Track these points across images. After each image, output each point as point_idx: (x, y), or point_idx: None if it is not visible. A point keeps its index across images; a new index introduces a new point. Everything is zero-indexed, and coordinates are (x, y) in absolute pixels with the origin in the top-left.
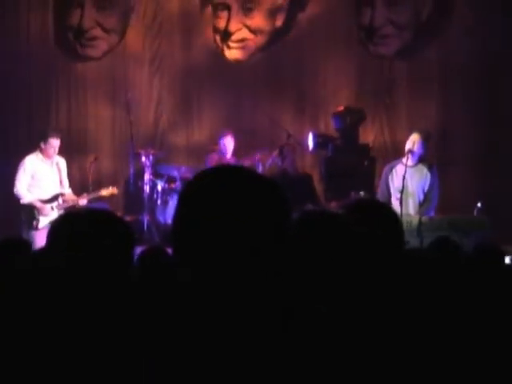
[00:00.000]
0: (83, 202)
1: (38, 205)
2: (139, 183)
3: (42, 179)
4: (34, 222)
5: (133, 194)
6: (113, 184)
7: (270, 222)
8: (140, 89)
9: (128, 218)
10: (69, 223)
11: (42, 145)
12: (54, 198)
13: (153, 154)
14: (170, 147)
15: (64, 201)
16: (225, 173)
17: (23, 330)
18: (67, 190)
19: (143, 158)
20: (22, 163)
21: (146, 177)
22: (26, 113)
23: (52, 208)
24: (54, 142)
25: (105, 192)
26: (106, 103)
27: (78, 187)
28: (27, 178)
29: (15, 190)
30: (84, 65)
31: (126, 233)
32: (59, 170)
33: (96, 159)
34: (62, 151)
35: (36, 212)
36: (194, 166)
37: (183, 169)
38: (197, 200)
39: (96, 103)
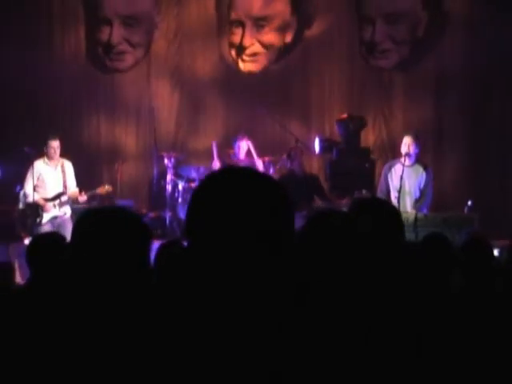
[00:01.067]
0: (83, 199)
1: (42, 203)
2: (162, 183)
3: (46, 180)
4: (38, 218)
5: (156, 193)
6: (138, 184)
7: (273, 217)
8: (163, 98)
9: (152, 215)
10: (91, 220)
11: (44, 148)
12: (57, 197)
13: (174, 157)
14: (190, 150)
15: (66, 199)
16: (232, 173)
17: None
18: (73, 190)
19: (166, 161)
20: (30, 167)
21: (168, 177)
22: (59, 120)
23: (54, 206)
24: (53, 143)
25: (100, 190)
26: (132, 111)
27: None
28: (34, 179)
29: (23, 190)
30: (112, 77)
31: (142, 229)
32: (63, 172)
33: (122, 162)
34: (92, 154)
35: (40, 209)
36: (210, 166)
37: (201, 170)
38: (208, 197)
39: (123, 111)
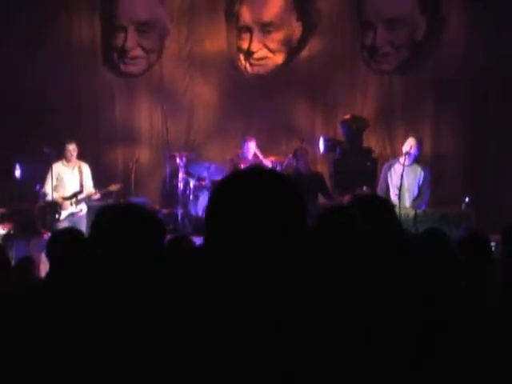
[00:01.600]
0: (97, 196)
1: (60, 201)
2: (174, 181)
3: (65, 180)
4: (57, 215)
5: (169, 191)
6: (151, 182)
7: (287, 213)
8: (174, 101)
9: (165, 211)
10: (108, 216)
11: (63, 150)
12: (74, 196)
13: (185, 157)
14: (200, 150)
15: (82, 197)
16: (251, 173)
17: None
18: (90, 189)
19: (177, 160)
20: (49, 168)
21: (180, 176)
22: (77, 122)
23: (71, 204)
24: (69, 147)
25: (112, 187)
26: (146, 113)
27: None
28: (53, 179)
29: (43, 189)
30: (126, 80)
31: (156, 224)
32: (81, 173)
33: (137, 161)
34: (107, 153)
35: (58, 207)
36: (221, 166)
37: (212, 169)
38: (227, 196)
39: (136, 113)
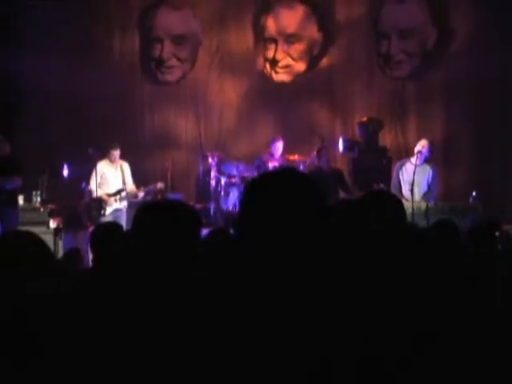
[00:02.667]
0: (141, 194)
1: (105, 198)
2: (207, 179)
3: (108, 178)
4: (102, 211)
5: (202, 188)
6: (186, 180)
7: (310, 209)
8: (206, 105)
9: (198, 206)
10: (149, 211)
11: (107, 154)
12: (117, 193)
13: (217, 156)
14: (231, 150)
15: (125, 194)
16: (279, 174)
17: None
18: (130, 186)
19: (210, 160)
20: (95, 167)
21: (212, 174)
22: (119, 125)
23: (115, 200)
24: (114, 152)
25: (153, 186)
26: (181, 117)
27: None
28: (98, 177)
29: (89, 187)
30: (163, 88)
31: (193, 218)
32: (122, 172)
33: (173, 161)
34: (147, 154)
35: (103, 203)
36: (249, 165)
37: (241, 167)
38: (259, 194)
39: (172, 117)
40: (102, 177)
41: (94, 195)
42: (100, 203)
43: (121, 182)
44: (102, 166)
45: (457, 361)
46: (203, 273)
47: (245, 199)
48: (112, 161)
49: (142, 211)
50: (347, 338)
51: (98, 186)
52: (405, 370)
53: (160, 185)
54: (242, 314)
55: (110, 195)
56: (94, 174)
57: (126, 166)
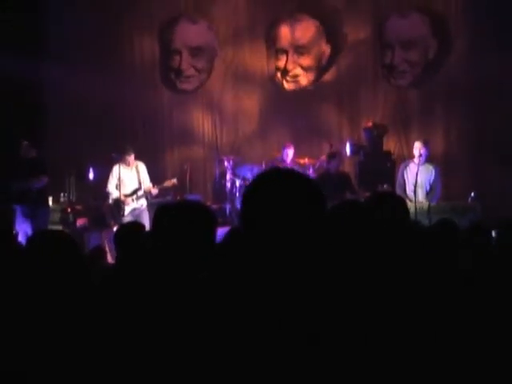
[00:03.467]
0: (155, 191)
1: (123, 198)
2: (223, 181)
3: (125, 180)
4: (121, 211)
5: (218, 189)
6: (203, 182)
7: (308, 207)
8: (222, 112)
9: (215, 206)
10: (167, 211)
11: (123, 157)
12: (134, 193)
13: (232, 160)
14: (245, 154)
15: (141, 193)
16: (276, 173)
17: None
18: (147, 185)
19: (225, 163)
20: (111, 170)
21: (228, 176)
22: (141, 131)
23: (133, 200)
24: (128, 157)
25: (167, 183)
26: (198, 123)
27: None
28: (115, 180)
29: (106, 189)
30: (181, 96)
31: (208, 217)
32: (138, 172)
33: (190, 164)
34: (165, 156)
35: (121, 204)
36: (262, 168)
37: (254, 170)
38: (258, 192)
39: (190, 123)
40: (119, 179)
41: (113, 197)
42: (118, 204)
43: (137, 182)
44: (118, 170)
45: (455, 359)
46: (211, 272)
47: (245, 196)
48: (127, 164)
49: (160, 212)
50: (346, 333)
51: (116, 187)
52: (403, 367)
53: (173, 181)
54: (240, 312)
55: (126, 195)
56: (111, 176)
57: (142, 166)
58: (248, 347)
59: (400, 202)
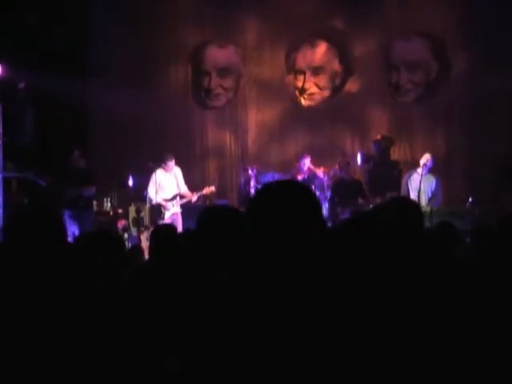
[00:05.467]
0: (194, 198)
1: (163, 203)
2: (247, 188)
3: (165, 185)
4: (161, 215)
5: (243, 195)
6: (230, 189)
7: (306, 213)
8: (247, 126)
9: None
10: (208, 213)
11: (163, 164)
12: (174, 198)
13: (256, 168)
14: (268, 163)
15: (181, 198)
16: (278, 184)
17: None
18: (184, 190)
19: (249, 171)
20: (151, 176)
21: (252, 183)
22: (172, 143)
23: (172, 205)
24: (170, 162)
25: (206, 190)
26: (225, 136)
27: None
28: (155, 185)
29: (147, 193)
30: (211, 112)
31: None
32: (176, 178)
33: (218, 173)
34: (197, 166)
35: (162, 208)
36: (282, 176)
37: (276, 177)
38: (262, 200)
39: (218, 136)
40: (159, 184)
41: (154, 202)
42: (159, 208)
43: (175, 187)
44: (159, 175)
45: (456, 360)
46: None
47: (249, 205)
48: (167, 170)
49: (206, 214)
50: (344, 334)
51: (156, 192)
52: (403, 366)
53: (211, 188)
54: (242, 312)
55: (167, 200)
56: (151, 182)
57: (179, 171)
58: (250, 347)
59: (416, 206)
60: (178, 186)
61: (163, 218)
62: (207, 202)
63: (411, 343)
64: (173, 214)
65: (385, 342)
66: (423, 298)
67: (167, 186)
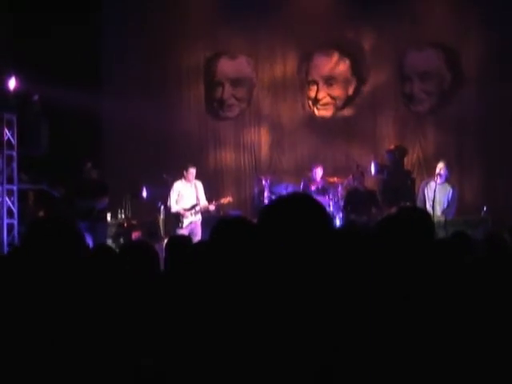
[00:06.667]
0: (212, 207)
1: (182, 212)
2: (261, 198)
3: (185, 195)
4: (180, 224)
5: (257, 205)
6: (244, 199)
7: (316, 224)
8: (259, 136)
9: (254, 221)
10: (220, 225)
11: (185, 173)
12: (192, 207)
13: (269, 179)
14: (280, 174)
15: (199, 208)
16: (291, 198)
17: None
18: (203, 202)
19: (263, 182)
20: (172, 186)
21: (265, 194)
22: (188, 153)
23: (191, 214)
24: (191, 171)
25: (224, 200)
26: (239, 146)
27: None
28: (175, 195)
29: (168, 203)
30: (224, 122)
31: (252, 229)
32: (196, 189)
33: (232, 183)
34: (212, 177)
35: (181, 217)
36: (296, 186)
37: (289, 188)
38: (275, 212)
39: (232, 147)
40: (178, 194)
41: (173, 211)
42: (178, 217)
43: (195, 199)
44: (179, 185)
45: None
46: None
47: (261, 218)
48: (188, 179)
49: (218, 225)
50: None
51: (176, 202)
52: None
53: (229, 199)
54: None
55: (185, 209)
56: (171, 192)
57: (200, 185)
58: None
59: (427, 215)
60: (197, 197)
61: (181, 227)
62: (221, 213)
63: (415, 343)
64: (191, 222)
65: (390, 341)
66: (429, 299)
67: (186, 196)
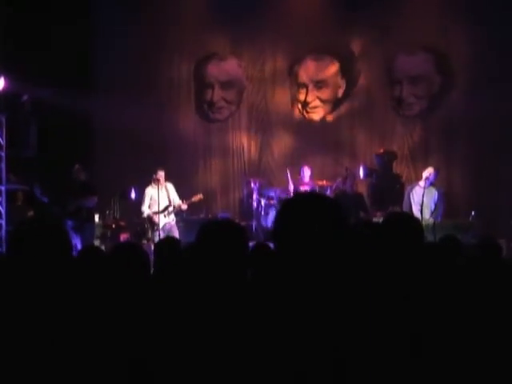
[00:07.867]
0: (184, 206)
1: (151, 215)
2: (250, 200)
3: (156, 199)
4: (155, 226)
5: (246, 208)
6: (232, 201)
7: (333, 225)
8: (249, 139)
9: (243, 223)
10: (207, 227)
11: (154, 176)
12: (165, 209)
13: (258, 182)
14: (269, 176)
15: (172, 209)
16: (308, 196)
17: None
18: (177, 202)
19: (252, 184)
20: (144, 192)
21: (254, 196)
22: (176, 156)
23: (164, 216)
24: (160, 173)
25: (195, 198)
26: (228, 149)
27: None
28: (148, 200)
29: (142, 209)
30: (213, 125)
31: (242, 232)
32: (167, 191)
33: (221, 186)
34: (202, 176)
35: (153, 220)
36: (284, 188)
37: (278, 191)
38: (291, 213)
39: (221, 150)
40: (151, 199)
41: (144, 216)
42: (150, 220)
43: (167, 200)
44: (150, 190)
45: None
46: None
47: (281, 214)
48: (160, 183)
49: (205, 227)
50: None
51: (148, 207)
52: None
53: (199, 196)
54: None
55: (155, 212)
56: (144, 197)
57: (171, 186)
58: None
59: (415, 221)
60: (169, 198)
61: (157, 229)
62: (209, 215)
63: (412, 343)
64: (165, 224)
65: (387, 343)
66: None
67: (159, 199)
